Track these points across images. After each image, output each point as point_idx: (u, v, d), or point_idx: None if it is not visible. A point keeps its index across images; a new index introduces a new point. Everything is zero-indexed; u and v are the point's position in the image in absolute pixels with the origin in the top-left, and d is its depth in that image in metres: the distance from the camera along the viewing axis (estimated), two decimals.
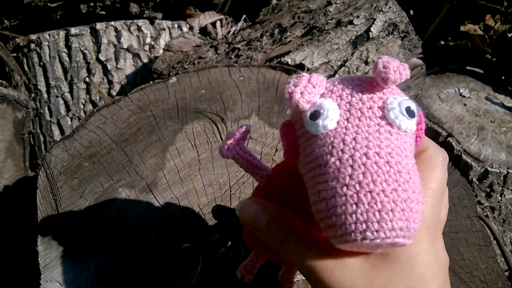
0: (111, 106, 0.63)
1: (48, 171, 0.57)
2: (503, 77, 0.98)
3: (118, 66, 0.90)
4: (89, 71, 0.90)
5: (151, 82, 0.66)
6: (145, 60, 0.91)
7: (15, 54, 0.94)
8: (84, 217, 0.54)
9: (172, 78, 0.66)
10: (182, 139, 0.60)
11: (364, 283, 0.27)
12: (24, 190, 0.95)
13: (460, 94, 0.90)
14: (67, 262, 0.51)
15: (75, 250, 0.52)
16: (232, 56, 0.78)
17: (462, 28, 0.94)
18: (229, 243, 0.52)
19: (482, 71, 0.99)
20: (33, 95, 0.94)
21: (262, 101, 0.65)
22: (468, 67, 1.00)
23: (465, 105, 0.88)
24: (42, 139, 0.96)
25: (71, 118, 0.93)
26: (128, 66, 0.90)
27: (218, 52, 0.81)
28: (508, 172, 0.74)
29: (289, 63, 0.71)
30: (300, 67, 0.72)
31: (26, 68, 0.92)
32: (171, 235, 0.52)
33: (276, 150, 0.61)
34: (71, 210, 0.54)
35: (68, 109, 0.94)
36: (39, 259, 0.51)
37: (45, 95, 0.93)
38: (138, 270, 0.50)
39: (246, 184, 0.57)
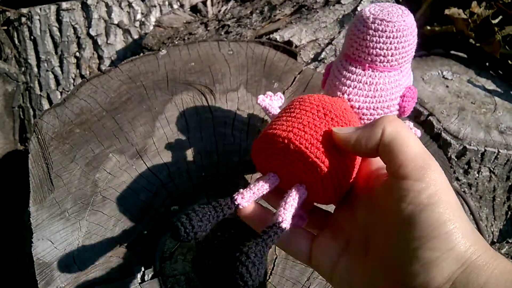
0: (102, 76, 0.65)
1: (39, 136, 0.59)
2: (487, 63, 1.00)
3: (109, 42, 0.91)
4: (79, 45, 0.91)
5: (141, 54, 0.68)
6: (136, 36, 0.91)
7: (5, 28, 0.94)
8: (75, 180, 0.55)
9: (162, 50, 0.68)
10: (171, 109, 0.62)
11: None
12: (14, 162, 0.96)
13: (443, 77, 0.93)
14: (59, 222, 0.53)
15: (66, 211, 0.53)
16: (222, 33, 0.80)
17: (447, 12, 0.97)
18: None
19: (465, 56, 1.01)
20: (23, 69, 0.94)
21: (251, 74, 0.67)
22: (452, 52, 1.02)
23: (447, 87, 0.91)
24: (31, 113, 0.97)
25: (61, 93, 0.94)
26: (118, 41, 0.91)
27: (208, 28, 0.82)
28: (485, 150, 0.77)
29: (278, 40, 0.73)
30: (288, 44, 0.74)
31: (16, 41, 0.93)
32: (160, 198, 0.54)
33: (263, 121, 0.63)
34: (62, 173, 0.56)
35: (58, 83, 0.94)
36: (31, 219, 0.53)
37: (35, 69, 0.93)
38: (127, 232, 0.52)
39: (233, 152, 0.59)
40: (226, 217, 0.37)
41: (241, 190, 0.39)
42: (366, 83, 0.41)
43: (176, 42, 0.79)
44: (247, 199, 0.39)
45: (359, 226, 0.38)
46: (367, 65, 0.41)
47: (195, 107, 0.63)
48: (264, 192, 0.39)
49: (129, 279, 0.49)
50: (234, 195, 0.38)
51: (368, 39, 0.40)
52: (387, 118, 0.35)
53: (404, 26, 0.40)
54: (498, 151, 0.78)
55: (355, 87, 0.41)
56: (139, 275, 0.49)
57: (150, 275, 0.49)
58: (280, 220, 0.35)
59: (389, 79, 0.42)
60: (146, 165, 0.57)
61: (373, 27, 0.40)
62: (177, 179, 0.56)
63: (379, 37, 0.40)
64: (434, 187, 0.31)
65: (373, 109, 0.42)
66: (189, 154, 0.58)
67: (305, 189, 0.38)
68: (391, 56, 0.40)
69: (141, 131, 0.60)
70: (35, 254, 0.51)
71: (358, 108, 0.42)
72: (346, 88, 0.42)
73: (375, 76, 0.41)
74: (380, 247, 0.34)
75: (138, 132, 0.60)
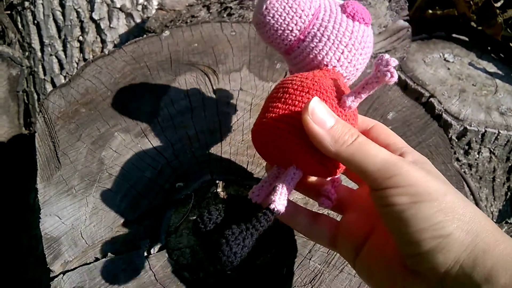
0: (106, 57, 0.66)
1: (46, 116, 0.60)
2: (488, 48, 1.01)
3: (111, 26, 0.91)
4: (82, 29, 0.91)
5: (145, 35, 0.68)
6: (138, 20, 0.92)
7: (9, 12, 0.94)
8: (81, 158, 0.56)
9: (165, 31, 0.68)
10: (175, 89, 0.63)
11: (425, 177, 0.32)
12: (19, 146, 0.97)
13: (445, 59, 0.93)
14: (66, 199, 0.54)
15: (73, 188, 0.54)
16: (224, 15, 0.80)
17: None
18: (220, 183, 0.55)
19: (467, 39, 1.02)
20: (27, 53, 0.95)
21: (253, 55, 0.68)
22: (454, 35, 1.02)
23: (448, 69, 0.91)
24: (36, 97, 0.97)
25: (65, 77, 0.95)
26: (121, 25, 0.92)
27: (211, 11, 0.82)
28: (486, 131, 0.78)
29: None
30: None
31: (20, 26, 0.93)
32: (165, 175, 0.55)
33: None
34: (69, 152, 0.57)
35: (61, 67, 0.95)
36: (38, 195, 0.54)
37: (39, 54, 0.94)
38: (133, 207, 0.53)
39: (236, 131, 0.60)
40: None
41: (272, 197, 0.37)
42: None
43: (179, 24, 0.79)
44: (258, 194, 0.39)
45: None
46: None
47: (198, 87, 0.63)
48: (274, 184, 0.39)
49: (135, 252, 0.50)
50: (270, 206, 0.36)
51: None
52: (335, 142, 0.34)
53: None
54: (499, 132, 0.79)
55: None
56: (145, 248, 0.50)
57: (156, 248, 0.50)
58: (272, 205, 0.36)
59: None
60: (151, 143, 0.58)
61: None
62: (182, 157, 0.57)
63: None
64: (412, 188, 0.31)
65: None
66: (193, 132, 0.59)
67: (296, 169, 0.38)
68: None
69: (145, 111, 0.60)
70: (43, 229, 0.52)
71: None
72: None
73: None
74: (389, 234, 0.35)
75: (143, 111, 0.60)
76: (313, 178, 0.44)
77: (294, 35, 0.41)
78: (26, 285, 0.90)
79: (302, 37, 0.41)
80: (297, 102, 0.36)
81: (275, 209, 0.36)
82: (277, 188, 0.37)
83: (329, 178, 0.41)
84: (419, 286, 0.32)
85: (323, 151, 0.34)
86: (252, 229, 0.35)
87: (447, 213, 0.31)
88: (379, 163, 0.32)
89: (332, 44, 0.40)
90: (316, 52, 0.41)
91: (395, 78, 0.33)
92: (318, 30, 0.41)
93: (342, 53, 0.40)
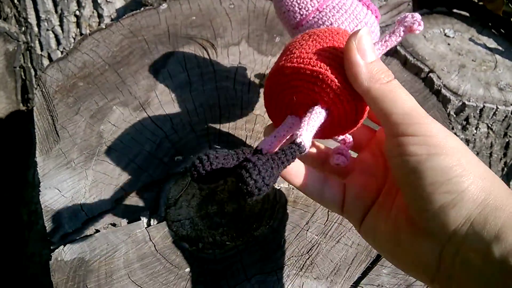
0: (104, 30, 0.65)
1: (44, 90, 0.60)
2: (489, 23, 1.00)
3: (108, 0, 0.90)
4: (79, 4, 0.90)
5: (142, 8, 0.67)
6: None
7: None
8: (80, 132, 0.56)
9: (163, 4, 0.67)
10: (173, 63, 0.62)
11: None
12: (16, 122, 0.97)
13: (445, 34, 0.93)
14: (65, 172, 0.54)
15: (73, 161, 0.55)
16: None
17: None
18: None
19: (468, 14, 1.01)
20: (23, 28, 0.94)
21: (252, 29, 0.67)
22: (454, 10, 1.01)
23: (448, 44, 0.90)
24: (33, 73, 0.97)
25: (62, 52, 0.94)
26: (118, 0, 0.91)
27: None
28: (484, 106, 0.78)
29: None
30: None
31: (15, 0, 0.92)
32: (164, 149, 0.56)
33: (264, 76, 0.63)
34: (67, 125, 0.57)
35: (58, 42, 0.94)
36: (38, 169, 0.54)
37: (36, 29, 0.93)
38: (133, 180, 0.54)
39: (236, 106, 0.60)
40: None
41: (299, 132, 0.34)
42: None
43: None
44: (270, 143, 0.36)
45: (386, 172, 0.38)
46: None
47: (196, 61, 0.63)
48: (287, 136, 0.38)
49: (135, 223, 0.51)
50: (297, 140, 0.34)
51: None
52: (371, 78, 0.33)
53: None
54: (497, 107, 0.79)
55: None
56: (145, 220, 0.51)
57: (156, 220, 0.51)
58: (299, 139, 0.33)
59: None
60: (149, 117, 0.58)
61: None
62: (181, 131, 0.57)
63: None
64: (432, 137, 0.31)
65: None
66: (192, 107, 0.59)
67: (321, 108, 0.36)
68: None
69: (143, 84, 0.60)
70: (43, 202, 0.52)
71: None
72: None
73: None
74: (398, 191, 0.35)
75: (141, 85, 0.60)
76: (321, 146, 0.44)
77: (313, 4, 0.43)
78: (26, 260, 0.91)
79: (320, 8, 0.43)
80: (328, 40, 0.36)
81: (302, 143, 0.33)
82: (303, 123, 0.35)
83: (341, 138, 0.41)
84: (427, 245, 0.32)
85: (355, 84, 0.34)
86: (278, 160, 0.32)
87: (464, 169, 0.31)
88: (407, 108, 0.32)
89: (349, 16, 0.42)
90: (332, 20, 0.42)
91: (422, 26, 0.36)
92: (337, 4, 0.43)
93: (356, 26, 0.42)
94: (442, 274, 0.32)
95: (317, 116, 0.35)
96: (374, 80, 0.33)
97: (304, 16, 0.43)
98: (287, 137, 0.38)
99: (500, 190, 0.31)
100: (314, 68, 0.34)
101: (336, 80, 0.34)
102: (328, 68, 0.34)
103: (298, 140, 0.33)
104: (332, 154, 0.40)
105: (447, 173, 0.30)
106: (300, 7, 0.43)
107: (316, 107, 0.36)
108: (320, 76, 0.34)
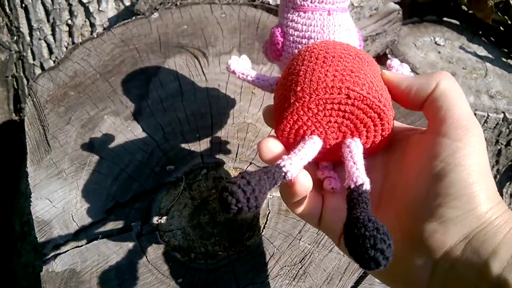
0: (95, 39, 0.65)
1: (35, 99, 0.59)
2: (479, 31, 1.01)
3: (100, 9, 0.90)
4: (71, 13, 0.90)
5: (134, 17, 0.68)
6: (127, 3, 0.91)
7: None
8: (71, 141, 0.56)
9: (154, 13, 0.68)
10: (164, 72, 0.62)
11: None
12: (8, 132, 0.97)
13: (435, 43, 0.94)
14: (56, 182, 0.54)
15: (64, 171, 0.54)
16: None
17: None
18: (209, 168, 0.55)
19: (458, 22, 1.02)
20: (15, 37, 0.93)
21: (243, 37, 0.67)
22: (445, 18, 1.02)
23: (439, 52, 0.91)
24: (25, 82, 0.96)
25: (54, 61, 0.93)
26: (110, 9, 0.90)
27: None
28: (475, 114, 0.79)
29: (270, 3, 0.73)
30: None
31: (7, 9, 0.91)
32: (156, 158, 0.55)
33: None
34: (58, 135, 0.57)
35: (51, 52, 0.94)
36: (29, 179, 0.54)
37: (28, 38, 0.93)
38: (124, 190, 0.53)
39: (226, 114, 0.60)
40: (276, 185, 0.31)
41: (286, 156, 0.32)
42: (339, 25, 0.40)
43: (168, 6, 0.78)
44: (296, 165, 0.32)
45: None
46: (329, 9, 0.40)
47: (188, 70, 0.63)
48: (310, 159, 0.33)
49: (127, 234, 0.50)
50: (280, 162, 0.31)
51: None
52: (443, 73, 0.34)
53: None
54: (488, 115, 0.80)
55: (335, 31, 0.40)
56: (136, 230, 0.50)
57: (147, 230, 0.51)
58: (361, 182, 0.31)
59: (348, 18, 0.41)
60: (141, 126, 0.58)
61: None
62: (172, 140, 0.57)
63: None
64: (470, 149, 0.31)
65: None
66: (183, 115, 0.59)
67: (359, 142, 0.34)
68: None
69: (135, 94, 0.60)
70: (34, 213, 0.52)
71: None
72: (328, 35, 0.39)
73: (340, 17, 0.40)
74: (395, 202, 0.34)
75: (132, 94, 0.60)
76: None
77: None
78: (19, 271, 0.90)
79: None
80: (359, 65, 0.34)
81: (365, 189, 0.31)
82: (354, 162, 0.33)
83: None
84: (420, 258, 0.31)
85: (422, 95, 0.34)
86: (264, 175, 0.29)
87: (482, 187, 0.30)
88: (467, 113, 0.32)
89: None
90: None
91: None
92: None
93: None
94: None
95: (359, 151, 0.34)
96: (445, 77, 0.34)
97: None
98: (309, 160, 0.34)
99: (502, 210, 0.31)
100: (380, 105, 0.33)
101: (388, 111, 0.33)
102: (383, 99, 0.33)
103: (362, 184, 0.31)
104: (325, 178, 0.38)
105: (464, 188, 0.30)
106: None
107: (354, 141, 0.34)
108: (377, 108, 0.33)
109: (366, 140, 0.35)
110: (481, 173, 0.31)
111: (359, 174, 0.32)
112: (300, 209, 0.37)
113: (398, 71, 0.42)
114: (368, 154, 0.35)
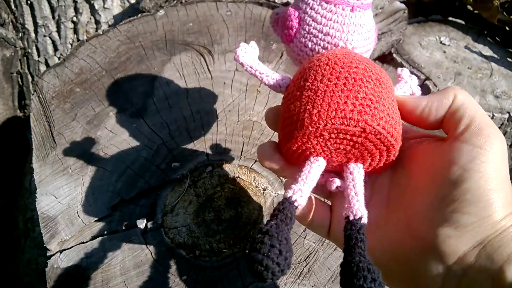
0: (101, 36, 0.65)
1: (40, 95, 0.59)
2: (485, 31, 1.00)
3: (106, 6, 0.90)
4: (76, 10, 0.90)
5: (140, 15, 0.68)
6: (133, 1, 0.91)
7: None
8: (77, 138, 0.56)
9: (160, 11, 0.68)
10: (170, 69, 0.62)
11: None
12: (13, 129, 0.97)
13: (441, 42, 0.93)
14: (62, 178, 0.54)
15: (69, 167, 0.54)
16: None
17: None
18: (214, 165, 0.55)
19: (463, 22, 1.01)
20: (20, 34, 0.93)
21: (249, 35, 0.67)
22: (450, 18, 1.02)
23: (444, 52, 0.91)
24: (30, 79, 0.96)
25: (59, 58, 0.94)
26: (115, 6, 0.91)
27: None
28: None
29: (276, 1, 0.73)
30: (287, 5, 0.74)
31: (13, 6, 0.92)
32: (161, 155, 0.55)
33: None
34: (64, 131, 0.57)
35: (56, 49, 0.94)
36: (34, 175, 0.54)
37: (33, 34, 0.93)
38: (129, 187, 0.53)
39: (232, 112, 0.60)
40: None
41: (293, 186, 0.32)
42: (360, 25, 0.37)
43: (173, 3, 0.78)
44: (305, 195, 0.33)
45: (377, 188, 0.37)
46: (354, 5, 0.37)
47: (194, 67, 0.63)
48: (316, 182, 0.34)
49: (132, 230, 0.50)
50: (287, 194, 0.32)
51: None
52: (456, 87, 0.34)
53: None
54: (493, 115, 0.79)
55: (354, 31, 0.37)
56: (141, 227, 0.50)
57: (152, 227, 0.51)
58: (360, 215, 0.31)
59: (370, 17, 0.39)
60: (146, 123, 0.58)
61: None
62: (178, 137, 0.57)
63: None
64: (490, 156, 0.31)
65: (367, 52, 0.40)
66: (189, 113, 0.59)
67: (362, 168, 0.34)
68: None
69: (140, 91, 0.60)
70: (39, 209, 0.52)
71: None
72: (347, 35, 0.37)
73: (363, 15, 0.38)
74: (405, 205, 0.34)
75: (138, 91, 0.60)
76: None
77: None
78: (22, 268, 0.90)
79: None
80: (375, 91, 0.33)
81: (363, 222, 0.31)
82: (355, 192, 0.33)
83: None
84: (432, 264, 0.31)
85: (440, 112, 0.34)
86: (282, 223, 0.29)
87: (499, 194, 0.30)
88: (487, 121, 0.32)
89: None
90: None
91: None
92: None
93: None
94: None
95: (361, 178, 0.34)
96: (460, 90, 0.34)
97: None
98: (316, 183, 0.35)
99: None
100: (392, 140, 0.33)
101: (397, 144, 0.33)
102: (395, 131, 0.33)
103: (361, 217, 0.32)
104: (326, 180, 0.37)
105: (481, 194, 0.30)
106: None
107: (358, 167, 0.34)
108: (388, 142, 0.33)
109: (368, 167, 0.35)
110: (500, 181, 0.31)
111: (359, 206, 0.32)
112: (308, 221, 0.37)
113: (407, 83, 0.42)
114: (369, 174, 0.36)
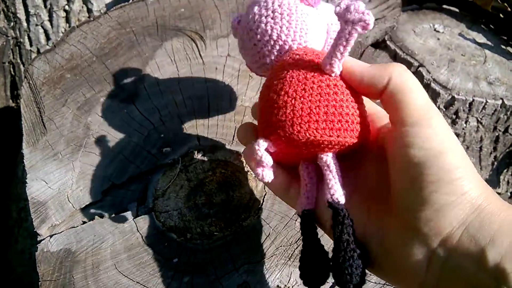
0: (91, 22, 0.64)
1: (31, 82, 0.59)
2: (479, 19, 1.00)
3: None
4: None
5: (131, 1, 0.67)
6: None
7: None
8: (67, 123, 0.56)
9: None
10: (161, 55, 0.62)
11: None
12: (5, 119, 0.96)
13: (435, 30, 0.93)
14: (52, 163, 0.53)
15: (59, 153, 0.54)
16: None
17: None
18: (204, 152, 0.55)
19: (457, 10, 1.01)
20: (12, 23, 0.93)
21: None
22: (444, 6, 1.02)
23: (438, 39, 0.91)
24: (22, 68, 0.96)
25: None
26: None
27: None
28: (473, 100, 0.78)
29: None
30: None
31: None
32: (152, 141, 0.55)
33: None
34: (54, 117, 0.56)
35: (48, 38, 0.93)
36: (24, 161, 0.54)
37: (25, 24, 0.92)
38: (120, 172, 0.53)
39: (224, 97, 0.59)
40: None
41: (301, 198, 0.38)
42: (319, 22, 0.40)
43: None
44: (312, 201, 0.38)
45: (361, 181, 0.38)
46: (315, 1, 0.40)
47: (185, 53, 0.63)
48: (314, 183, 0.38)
49: (122, 214, 0.50)
50: (298, 210, 0.38)
51: None
52: (395, 67, 0.33)
53: None
54: (486, 101, 0.79)
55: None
56: (132, 211, 0.50)
57: (143, 211, 0.50)
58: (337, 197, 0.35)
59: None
60: (137, 109, 0.57)
61: None
62: (169, 123, 0.57)
63: None
64: (443, 134, 0.31)
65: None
66: (180, 98, 0.59)
67: (331, 156, 0.36)
68: None
69: (131, 76, 0.60)
70: (30, 194, 0.52)
71: None
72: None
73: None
74: (390, 195, 0.34)
75: (129, 77, 0.60)
76: None
77: None
78: (15, 257, 0.90)
79: None
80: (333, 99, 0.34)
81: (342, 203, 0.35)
82: (331, 182, 0.35)
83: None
84: (417, 247, 0.31)
85: (374, 88, 0.33)
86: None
87: (466, 172, 0.30)
88: (425, 101, 0.32)
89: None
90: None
91: (370, 26, 0.31)
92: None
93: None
94: (428, 283, 0.31)
95: (336, 168, 0.36)
96: (396, 72, 0.33)
97: None
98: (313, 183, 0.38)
99: (493, 197, 0.31)
100: (357, 143, 0.35)
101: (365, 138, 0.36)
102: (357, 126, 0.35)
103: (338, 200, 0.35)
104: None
105: (452, 172, 0.30)
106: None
107: (331, 158, 0.36)
108: (357, 145, 0.36)
109: (338, 152, 0.36)
110: (462, 158, 0.31)
111: (337, 188, 0.35)
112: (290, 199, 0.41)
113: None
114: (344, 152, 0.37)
